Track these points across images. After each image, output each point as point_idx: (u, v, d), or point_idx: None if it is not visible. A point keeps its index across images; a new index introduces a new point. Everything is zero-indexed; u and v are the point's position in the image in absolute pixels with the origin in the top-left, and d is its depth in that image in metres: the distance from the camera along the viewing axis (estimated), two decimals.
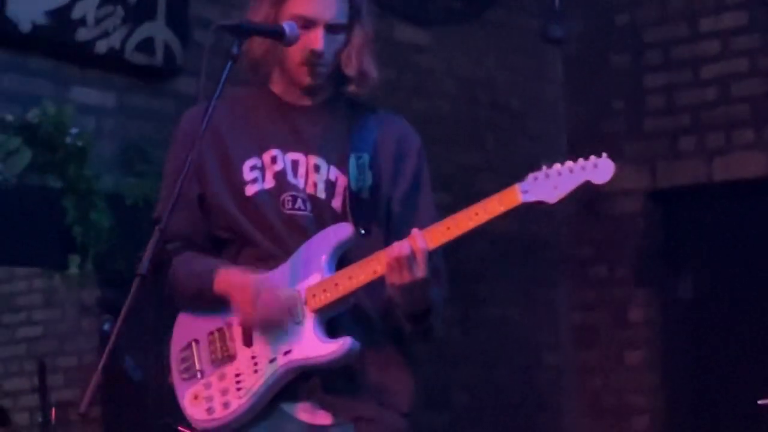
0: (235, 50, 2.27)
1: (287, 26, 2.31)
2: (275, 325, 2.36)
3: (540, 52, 5.47)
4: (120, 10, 3.96)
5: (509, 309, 5.25)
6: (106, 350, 2.07)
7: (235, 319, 2.43)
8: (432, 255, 2.26)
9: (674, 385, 5.34)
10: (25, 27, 3.79)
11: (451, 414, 4.89)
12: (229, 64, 2.29)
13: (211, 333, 2.48)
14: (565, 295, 5.52)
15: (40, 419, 3.91)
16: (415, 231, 2.21)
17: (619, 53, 5.45)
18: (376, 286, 2.31)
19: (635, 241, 5.36)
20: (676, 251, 5.42)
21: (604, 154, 2.04)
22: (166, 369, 2.56)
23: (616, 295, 5.31)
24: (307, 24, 2.34)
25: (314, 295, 2.31)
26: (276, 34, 2.33)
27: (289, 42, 2.33)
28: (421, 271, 2.17)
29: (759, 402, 3.72)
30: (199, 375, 2.45)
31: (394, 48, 4.64)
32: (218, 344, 2.48)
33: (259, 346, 2.41)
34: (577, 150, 2.30)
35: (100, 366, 2.07)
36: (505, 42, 5.33)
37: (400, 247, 2.21)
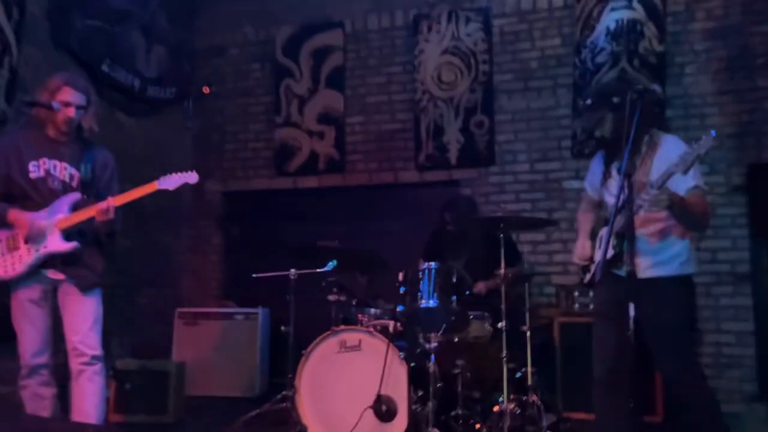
0: (30, 112, 3.05)
1: (54, 104, 2.97)
2: (35, 235, 2.98)
3: (181, 131, 6.18)
4: None
5: (164, 237, 5.93)
6: None
7: (19, 232, 3.01)
8: (116, 212, 2.96)
9: (228, 268, 6.15)
10: None
11: (120, 284, 5.01)
12: (27, 116, 3.09)
13: (8, 236, 3.02)
14: (186, 230, 6.21)
15: None
16: (110, 198, 2.99)
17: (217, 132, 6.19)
18: (92, 219, 3.01)
19: (216, 212, 6.21)
20: (232, 217, 6.21)
21: (193, 172, 3.05)
22: None
23: (208, 232, 6.21)
24: (67, 104, 3.01)
25: (60, 222, 2.99)
26: (50, 107, 2.99)
27: (56, 111, 2.98)
28: (111, 214, 2.97)
29: (253, 275, 4.40)
30: (1, 255, 3.01)
31: (116, 125, 5.24)
32: (10, 241, 3.00)
33: (31, 243, 3.00)
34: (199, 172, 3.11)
35: None
36: (164, 128, 5.91)
37: (103, 204, 2.97)
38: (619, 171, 2.78)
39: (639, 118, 2.51)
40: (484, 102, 5.69)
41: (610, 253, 2.77)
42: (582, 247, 3.10)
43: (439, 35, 5.85)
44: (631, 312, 2.49)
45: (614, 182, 2.90)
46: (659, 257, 2.86)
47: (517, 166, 5.54)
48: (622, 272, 2.69)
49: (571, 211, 5.34)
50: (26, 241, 2.97)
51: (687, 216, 2.80)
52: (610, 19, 5.36)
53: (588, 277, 3.05)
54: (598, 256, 2.97)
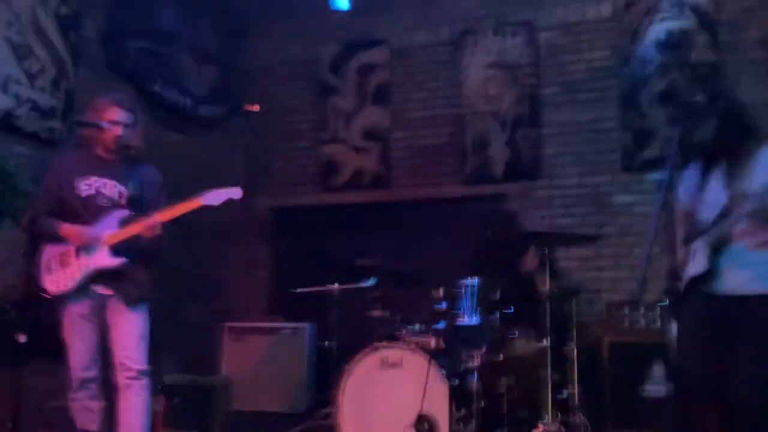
0: (80, 132, 3.11)
1: (102, 123, 3.03)
2: (88, 243, 2.99)
3: (230, 149, 6.21)
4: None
5: (213, 252, 5.84)
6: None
7: (70, 248, 3.00)
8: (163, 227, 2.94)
9: (276, 283, 6.05)
10: None
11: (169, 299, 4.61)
12: (77, 136, 3.15)
13: (59, 253, 3.05)
14: (235, 246, 6.09)
15: None
16: (155, 214, 2.97)
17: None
18: (139, 235, 3.00)
19: (264, 228, 6.24)
20: (279, 233, 6.23)
21: (237, 187, 2.98)
22: (36, 270, 3.07)
23: (256, 248, 6.21)
24: (115, 123, 3.05)
25: (109, 237, 3.03)
26: (99, 127, 3.05)
27: (105, 130, 3.03)
28: (157, 230, 2.98)
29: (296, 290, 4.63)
30: (53, 271, 3.05)
31: (167, 144, 5.17)
32: (61, 258, 3.04)
33: (81, 260, 3.02)
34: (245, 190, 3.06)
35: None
36: (214, 145, 5.94)
37: (149, 220, 2.98)
38: (726, 178, 2.69)
39: (681, 131, 2.41)
40: (531, 115, 5.62)
41: (704, 267, 2.65)
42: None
43: (485, 49, 5.83)
44: (674, 332, 2.34)
45: (711, 192, 2.78)
46: (759, 270, 2.66)
47: (565, 180, 5.45)
48: (715, 289, 2.59)
49: (621, 226, 5.24)
50: (78, 251, 2.99)
51: None
52: (659, 29, 5.26)
53: (681, 286, 2.82)
54: (690, 270, 2.80)
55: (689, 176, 2.98)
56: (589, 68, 5.48)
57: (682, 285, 2.75)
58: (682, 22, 5.19)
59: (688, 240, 2.72)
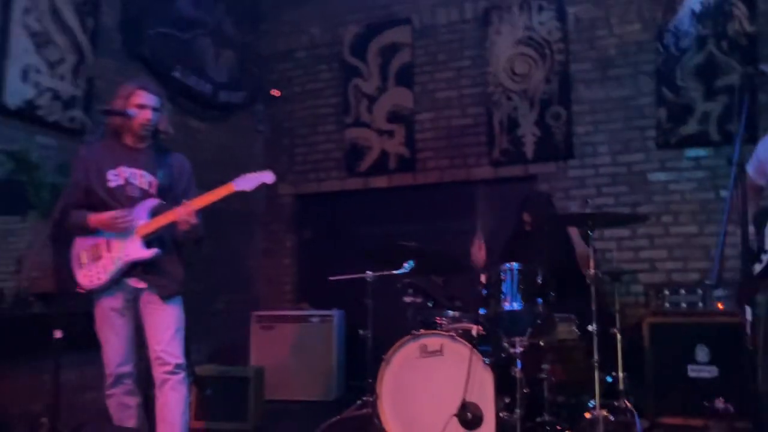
0: (106, 121, 3.03)
1: (129, 111, 2.98)
2: (122, 230, 2.94)
3: (252, 135, 6.21)
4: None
5: (237, 241, 5.94)
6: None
7: (101, 240, 2.94)
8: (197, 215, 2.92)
9: (302, 271, 6.14)
10: None
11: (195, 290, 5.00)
12: (103, 125, 3.05)
13: (91, 246, 3.02)
14: (259, 234, 6.22)
15: None
16: (188, 203, 2.94)
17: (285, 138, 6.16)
18: (171, 226, 2.98)
19: (288, 216, 6.20)
20: (304, 220, 6.22)
21: (269, 171, 2.92)
22: (68, 263, 3.02)
23: (281, 236, 6.20)
24: (143, 107, 3.01)
25: (141, 228, 3.00)
26: (126, 115, 3.01)
27: (132, 117, 2.99)
28: (194, 219, 2.91)
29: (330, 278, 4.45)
30: (85, 265, 3.00)
31: (187, 131, 5.29)
32: (93, 251, 3.00)
33: (113, 252, 2.98)
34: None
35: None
36: (234, 132, 5.95)
37: (181, 209, 2.93)
38: None
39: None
40: (561, 93, 5.50)
41: None
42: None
43: (511, 26, 5.69)
44: (748, 315, 2.23)
45: None
46: None
47: (598, 159, 5.34)
48: None
49: (657, 205, 5.14)
50: (110, 244, 2.91)
51: None
52: (694, 0, 5.09)
53: (759, 267, 2.77)
54: None
55: (763, 151, 2.84)
56: (621, 43, 5.34)
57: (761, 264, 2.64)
58: None
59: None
